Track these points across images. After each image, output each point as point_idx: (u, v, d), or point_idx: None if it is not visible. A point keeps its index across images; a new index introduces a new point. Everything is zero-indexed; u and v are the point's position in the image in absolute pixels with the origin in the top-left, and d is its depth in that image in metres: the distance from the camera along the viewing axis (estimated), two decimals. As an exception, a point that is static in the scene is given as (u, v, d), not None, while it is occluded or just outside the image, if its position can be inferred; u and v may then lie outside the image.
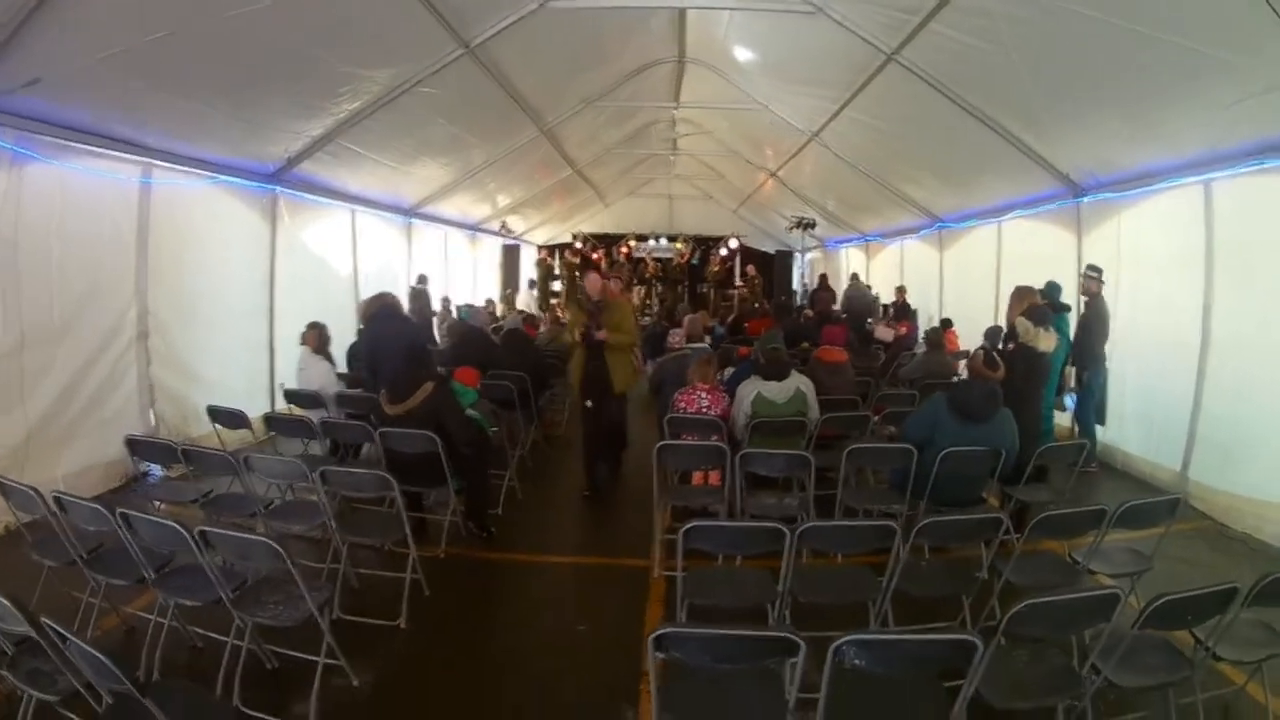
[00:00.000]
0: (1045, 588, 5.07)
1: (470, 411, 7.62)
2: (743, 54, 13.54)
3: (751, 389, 7.63)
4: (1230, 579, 3.90)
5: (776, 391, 7.57)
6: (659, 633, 3.22)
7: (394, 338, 8.66)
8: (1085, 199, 11.07)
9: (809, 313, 16.31)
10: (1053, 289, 9.84)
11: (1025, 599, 3.55)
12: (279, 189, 11.88)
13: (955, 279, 16.51)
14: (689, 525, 4.57)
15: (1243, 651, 4.11)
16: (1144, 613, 3.65)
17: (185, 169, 9.94)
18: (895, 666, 3.27)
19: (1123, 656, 3.81)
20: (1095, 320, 9.99)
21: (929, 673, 3.74)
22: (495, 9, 9.85)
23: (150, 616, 5.02)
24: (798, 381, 7.70)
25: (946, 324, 14.22)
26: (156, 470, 7.97)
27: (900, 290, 18.42)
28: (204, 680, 4.54)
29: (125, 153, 8.86)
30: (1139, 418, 10.09)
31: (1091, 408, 10.16)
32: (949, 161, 13.40)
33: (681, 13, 12.34)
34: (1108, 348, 10.18)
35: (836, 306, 18.14)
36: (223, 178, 10.70)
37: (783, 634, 3.13)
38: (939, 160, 13.68)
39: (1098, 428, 10.30)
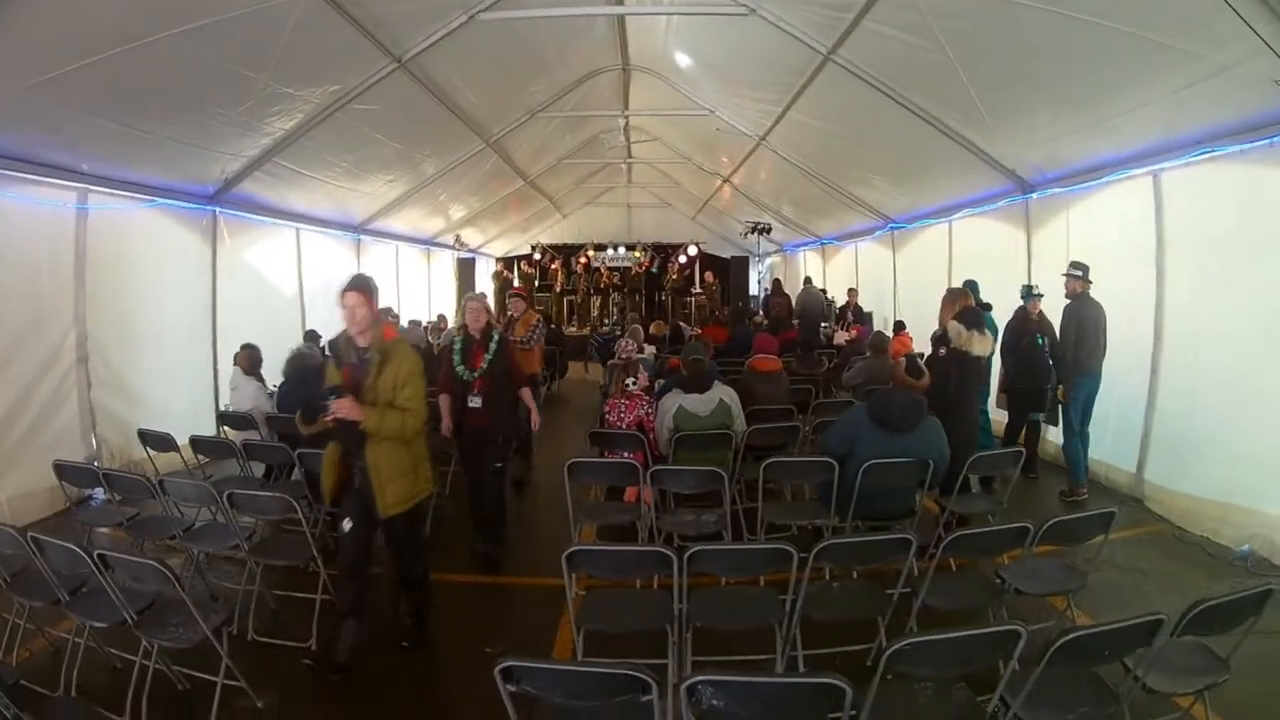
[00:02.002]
0: (963, 611, 4.95)
1: None
2: (684, 59, 13.53)
3: (673, 402, 7.49)
4: (1184, 589, 3.70)
5: (698, 404, 7.44)
6: (505, 665, 3.08)
7: (308, 370, 8.60)
8: (1033, 195, 10.99)
9: (757, 319, 16.22)
10: (972, 288, 9.68)
11: (942, 623, 3.36)
12: (218, 210, 11.70)
13: (908, 280, 16.44)
14: (570, 550, 4.46)
15: (1178, 680, 3.81)
16: (1049, 652, 3.33)
17: (122, 193, 9.85)
18: (757, 711, 3.04)
19: (1035, 691, 3.48)
20: (1074, 324, 8.96)
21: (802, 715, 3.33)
22: (424, 23, 9.74)
23: (71, 638, 5.05)
24: (721, 393, 7.57)
25: (900, 327, 14.11)
26: (99, 494, 7.87)
27: (852, 293, 18.41)
28: (118, 701, 4.60)
29: (59, 179, 8.84)
30: (1093, 419, 9.60)
31: (1077, 429, 9.14)
32: (896, 162, 13.36)
33: (620, 19, 12.35)
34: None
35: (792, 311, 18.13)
36: (160, 200, 10.58)
37: (633, 672, 2.95)
38: (886, 161, 13.64)
39: (1050, 428, 10.10)
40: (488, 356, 7.22)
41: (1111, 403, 9.38)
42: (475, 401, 7.15)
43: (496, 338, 7.32)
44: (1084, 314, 8.97)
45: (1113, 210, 9.52)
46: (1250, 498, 7.33)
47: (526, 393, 7.86)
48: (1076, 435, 9.12)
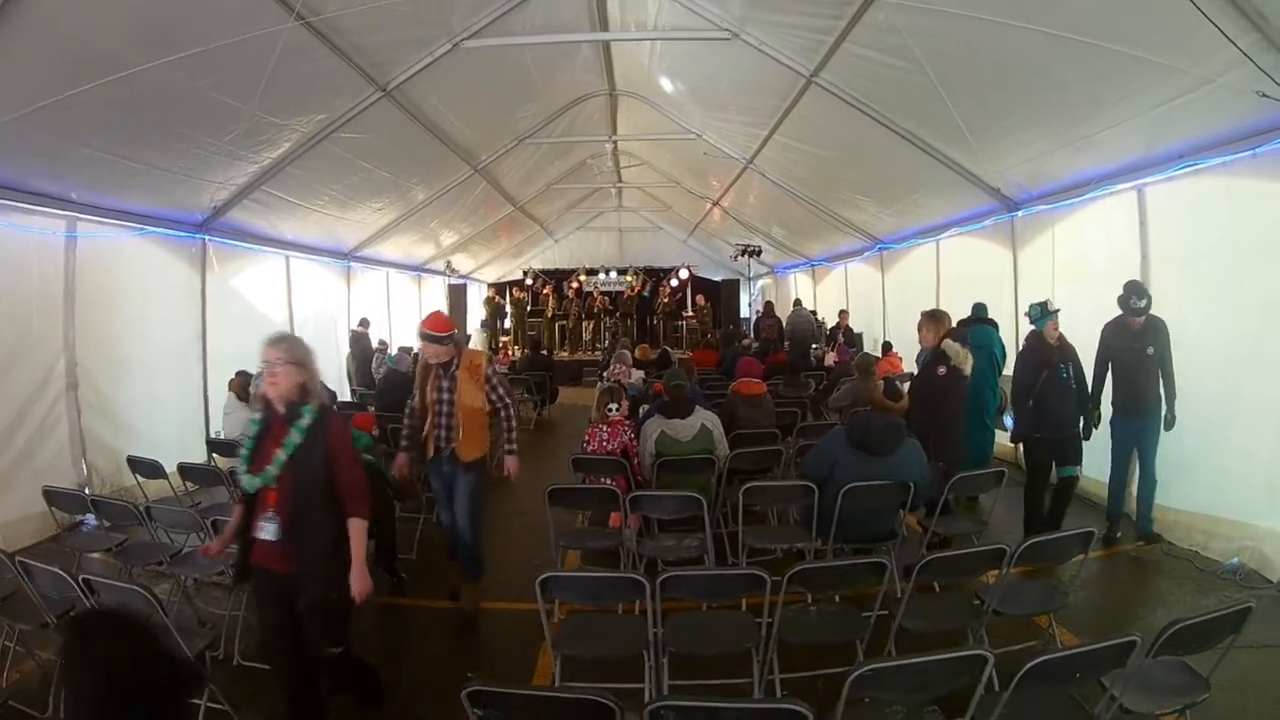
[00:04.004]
0: (943, 633, 4.90)
1: (366, 456, 7.32)
2: (670, 84, 13.64)
3: (655, 428, 7.43)
4: (1170, 605, 3.62)
5: (680, 429, 7.38)
6: (472, 689, 3.08)
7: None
8: (1019, 213, 10.98)
9: (745, 342, 16.23)
10: (980, 308, 9.79)
11: (924, 645, 3.31)
12: (208, 238, 11.76)
13: (896, 300, 16.39)
14: (543, 576, 4.43)
15: (1157, 700, 3.72)
16: (1018, 676, 3.23)
17: (111, 221, 9.98)
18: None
19: (1007, 714, 3.39)
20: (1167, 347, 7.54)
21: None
22: (408, 51, 9.84)
23: (59, 661, 5.02)
24: (702, 418, 7.50)
25: (887, 348, 14.13)
26: (91, 520, 7.91)
27: (843, 314, 18.45)
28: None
29: (49, 207, 8.95)
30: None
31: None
32: (882, 182, 13.41)
33: (606, 45, 12.44)
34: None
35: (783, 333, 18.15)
36: (150, 229, 10.67)
37: (598, 698, 2.93)
38: (872, 182, 13.71)
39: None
40: (283, 452, 4.26)
41: (1102, 419, 9.00)
42: (267, 530, 4.26)
43: (310, 416, 4.29)
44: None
45: (1097, 226, 9.49)
46: (1238, 511, 7.26)
47: (357, 529, 4.38)
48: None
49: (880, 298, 17.10)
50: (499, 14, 9.71)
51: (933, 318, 8.09)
